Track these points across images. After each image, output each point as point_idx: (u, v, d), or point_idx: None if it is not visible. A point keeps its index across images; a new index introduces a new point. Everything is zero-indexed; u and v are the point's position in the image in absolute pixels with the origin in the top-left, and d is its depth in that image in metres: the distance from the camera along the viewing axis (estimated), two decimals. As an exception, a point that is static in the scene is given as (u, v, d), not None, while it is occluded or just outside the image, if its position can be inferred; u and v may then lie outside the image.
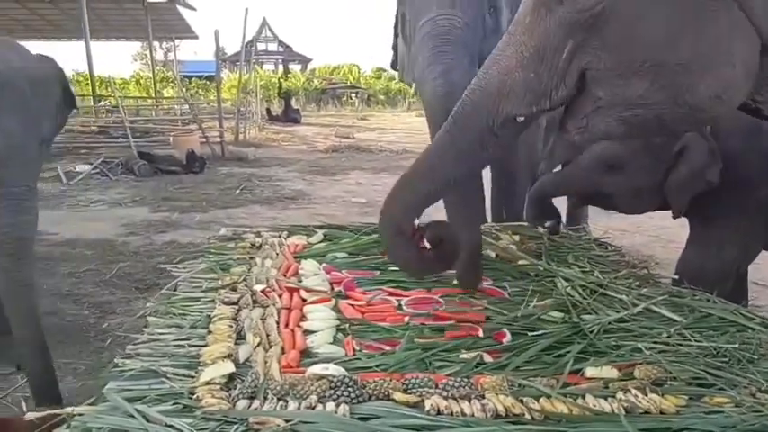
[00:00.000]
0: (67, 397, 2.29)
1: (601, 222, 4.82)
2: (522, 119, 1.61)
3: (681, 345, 1.85)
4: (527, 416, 1.46)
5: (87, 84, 16.77)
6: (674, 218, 2.67)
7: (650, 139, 2.48)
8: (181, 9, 15.57)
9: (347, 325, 2.01)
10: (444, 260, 2.11)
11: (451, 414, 1.46)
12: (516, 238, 2.96)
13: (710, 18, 1.38)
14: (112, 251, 4.49)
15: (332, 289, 2.32)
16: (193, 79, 28.29)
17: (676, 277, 2.57)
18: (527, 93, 1.54)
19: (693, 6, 1.38)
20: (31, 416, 1.54)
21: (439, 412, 1.46)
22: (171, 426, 1.37)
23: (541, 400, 1.52)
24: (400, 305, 2.19)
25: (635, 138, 2.34)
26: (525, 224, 3.15)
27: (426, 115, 2.49)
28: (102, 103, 15.57)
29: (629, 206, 2.78)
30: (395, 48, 3.24)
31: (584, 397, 1.55)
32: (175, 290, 2.35)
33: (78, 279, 3.80)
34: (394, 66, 3.35)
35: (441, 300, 2.24)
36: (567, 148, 1.75)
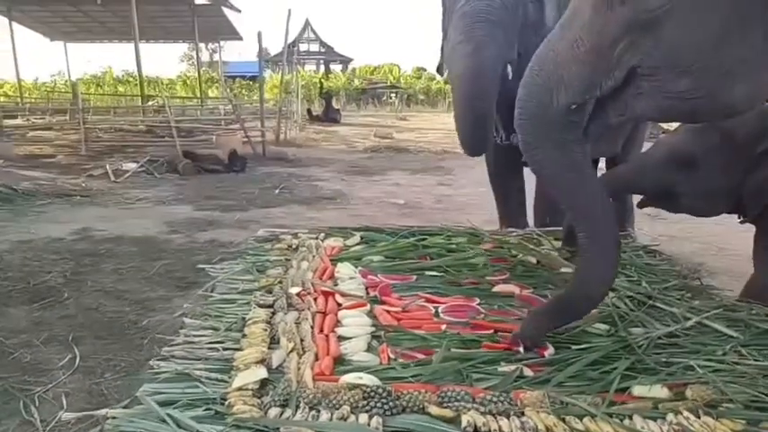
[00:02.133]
0: (105, 394, 2.32)
1: (647, 228, 4.64)
2: (575, 106, 1.70)
3: (737, 364, 1.74)
4: (569, 436, 1.39)
5: (136, 84, 17.29)
6: (742, 223, 2.48)
7: (729, 138, 2.30)
8: (226, 11, 15.88)
9: (382, 332, 1.97)
10: None
11: (489, 431, 1.40)
12: (558, 244, 2.86)
13: (754, 27, 1.48)
14: (155, 248, 4.56)
15: (367, 294, 2.29)
16: (237, 80, 28.83)
17: (732, 291, 2.41)
18: (581, 83, 1.66)
19: (742, 15, 1.48)
20: (67, 417, 1.56)
21: (476, 429, 1.40)
22: (202, 432, 1.36)
23: (585, 419, 1.44)
24: (437, 312, 2.13)
25: (665, 122, 2.39)
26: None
27: (453, 93, 2.41)
28: (150, 102, 16.00)
29: (701, 209, 2.52)
30: (442, 50, 3.14)
31: (631, 418, 1.46)
32: (212, 291, 2.36)
33: (122, 276, 3.87)
34: (440, 69, 3.24)
35: (480, 308, 2.17)
36: (602, 127, 1.78)
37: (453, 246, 2.87)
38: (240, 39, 20.05)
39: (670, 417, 1.46)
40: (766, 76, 1.54)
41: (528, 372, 1.70)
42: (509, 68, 2.51)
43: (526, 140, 1.80)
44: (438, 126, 15.94)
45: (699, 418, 1.46)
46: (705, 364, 1.72)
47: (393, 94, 28.09)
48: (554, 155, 1.76)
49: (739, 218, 2.49)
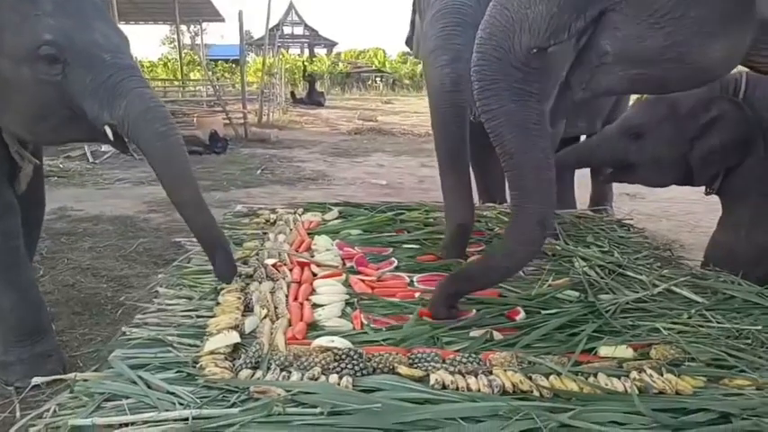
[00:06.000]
0: (81, 367, 2.31)
1: (626, 206, 4.69)
2: (536, 50, 1.56)
3: (701, 326, 1.78)
4: (535, 393, 1.42)
5: (115, 66, 16.92)
6: (696, 186, 2.58)
7: (674, 109, 2.41)
8: (207, -9, 15.60)
9: (356, 299, 1.98)
10: None
11: (457, 389, 1.42)
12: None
13: None
14: (134, 227, 4.54)
15: (343, 264, 2.30)
16: (219, 62, 28.44)
17: (702, 260, 2.48)
18: (549, 25, 1.52)
19: None
20: (37, 380, 1.56)
21: (444, 387, 1.43)
22: (172, 393, 1.37)
23: (551, 377, 1.47)
24: (412, 281, 2.15)
25: (634, 93, 2.33)
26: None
27: (430, 103, 2.40)
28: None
29: (653, 177, 2.66)
30: (413, 23, 3.16)
31: (595, 375, 1.49)
32: (189, 262, 2.35)
33: (99, 254, 3.85)
34: (409, 42, 3.27)
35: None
36: (568, 104, 1.69)
37: (431, 220, 2.89)
38: (222, 20, 19.70)
39: (633, 374, 1.49)
40: (739, 37, 1.46)
41: (498, 335, 1.73)
42: None
43: (482, 86, 1.63)
44: (422, 110, 15.89)
45: (661, 375, 1.49)
46: (670, 326, 1.76)
47: (378, 78, 27.94)
48: (509, 106, 1.61)
49: (705, 190, 2.56)
